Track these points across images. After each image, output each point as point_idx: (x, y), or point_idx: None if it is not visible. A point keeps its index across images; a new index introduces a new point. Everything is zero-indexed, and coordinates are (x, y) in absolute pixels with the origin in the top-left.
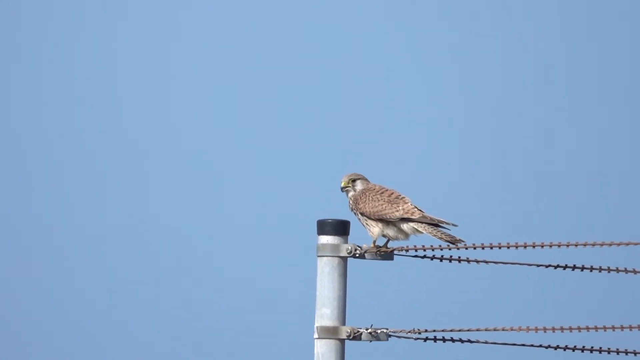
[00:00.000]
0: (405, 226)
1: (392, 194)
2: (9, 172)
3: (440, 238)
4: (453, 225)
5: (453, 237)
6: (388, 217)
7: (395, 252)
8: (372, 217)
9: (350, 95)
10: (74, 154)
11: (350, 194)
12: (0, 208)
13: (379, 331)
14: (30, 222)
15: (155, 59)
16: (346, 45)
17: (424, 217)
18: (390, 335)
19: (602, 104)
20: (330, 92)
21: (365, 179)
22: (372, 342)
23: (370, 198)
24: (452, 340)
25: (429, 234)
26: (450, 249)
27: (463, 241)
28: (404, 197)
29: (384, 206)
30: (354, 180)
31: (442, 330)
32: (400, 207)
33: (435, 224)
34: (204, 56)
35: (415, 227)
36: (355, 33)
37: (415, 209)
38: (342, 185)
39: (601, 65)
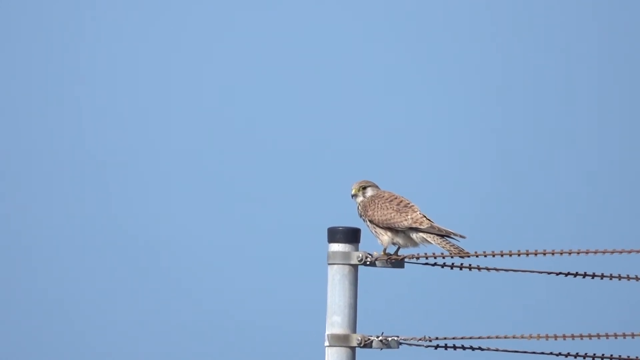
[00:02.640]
0: (414, 235)
1: (402, 201)
2: (9, 174)
3: (449, 250)
4: (461, 237)
5: (460, 249)
6: (396, 226)
7: (406, 259)
8: (381, 225)
9: (362, 101)
10: (75, 155)
11: (360, 199)
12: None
13: (389, 339)
14: (30, 224)
15: (161, 61)
16: (359, 51)
17: (432, 227)
18: (401, 343)
19: (608, 109)
20: (342, 99)
21: (376, 186)
22: (383, 349)
23: (380, 206)
24: (463, 347)
25: (437, 245)
26: (455, 257)
27: (470, 255)
28: (412, 206)
29: (392, 214)
30: (364, 188)
31: (453, 338)
32: (409, 216)
33: (443, 235)
34: (214, 59)
35: (424, 236)
36: (369, 40)
37: (424, 218)
38: (353, 192)
39: (606, 69)
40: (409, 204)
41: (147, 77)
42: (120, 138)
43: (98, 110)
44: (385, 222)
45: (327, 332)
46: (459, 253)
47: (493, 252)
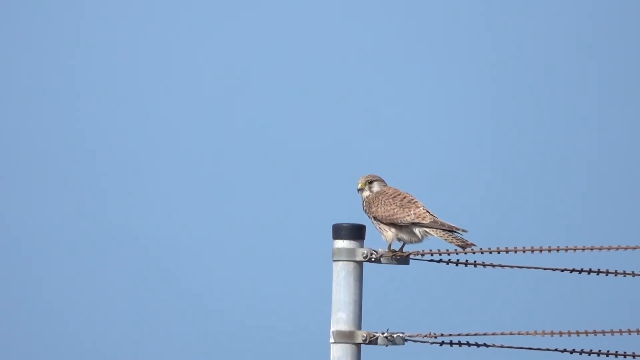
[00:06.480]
0: (417, 230)
1: (405, 197)
2: (7, 174)
3: (451, 242)
4: (463, 230)
5: (464, 241)
6: (399, 222)
7: (411, 256)
8: (384, 221)
9: (368, 96)
10: (73, 155)
11: (366, 194)
12: None
13: (395, 335)
14: (27, 224)
15: (160, 60)
16: (363, 49)
17: (434, 222)
18: (406, 340)
19: (608, 106)
20: (347, 94)
21: (383, 181)
22: (388, 346)
23: (383, 202)
24: (468, 344)
25: (440, 237)
26: (460, 253)
27: (474, 245)
28: (416, 201)
29: (395, 210)
30: (370, 182)
31: (458, 334)
32: (412, 212)
33: (445, 229)
34: (217, 56)
35: (428, 231)
36: (373, 36)
37: (427, 214)
38: (359, 186)
39: (604, 66)
40: (412, 199)
41: (146, 77)
42: (120, 138)
43: (95, 110)
44: (388, 217)
45: (332, 329)
46: (461, 244)
47: (498, 248)
